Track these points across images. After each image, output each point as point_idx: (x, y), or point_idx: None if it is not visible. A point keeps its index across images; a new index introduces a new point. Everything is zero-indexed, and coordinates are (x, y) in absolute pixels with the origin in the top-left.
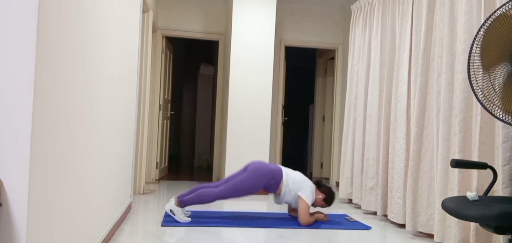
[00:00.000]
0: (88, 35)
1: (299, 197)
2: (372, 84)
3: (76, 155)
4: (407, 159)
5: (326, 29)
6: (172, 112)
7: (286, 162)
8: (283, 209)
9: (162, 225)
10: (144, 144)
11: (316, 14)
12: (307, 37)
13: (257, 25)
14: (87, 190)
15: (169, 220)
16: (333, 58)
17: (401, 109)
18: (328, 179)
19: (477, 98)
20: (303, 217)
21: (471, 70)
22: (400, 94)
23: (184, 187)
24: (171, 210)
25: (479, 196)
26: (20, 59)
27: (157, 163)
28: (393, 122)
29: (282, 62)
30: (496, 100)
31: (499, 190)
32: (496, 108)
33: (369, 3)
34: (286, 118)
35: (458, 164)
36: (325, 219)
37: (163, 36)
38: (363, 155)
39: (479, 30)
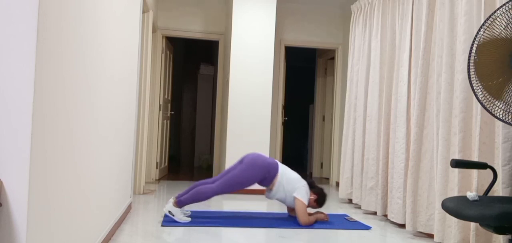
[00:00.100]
0: (88, 35)
1: (295, 198)
2: (372, 84)
3: (76, 155)
4: (407, 159)
5: (326, 29)
6: (172, 112)
7: (286, 162)
8: (283, 209)
9: (162, 225)
10: (144, 144)
11: (316, 14)
12: (307, 37)
13: (257, 25)
14: (87, 190)
15: (169, 220)
16: (333, 58)
17: (401, 109)
18: (328, 179)
19: (477, 98)
20: (301, 217)
21: (471, 70)
22: (400, 94)
23: (184, 187)
24: (169, 212)
25: (479, 196)
26: (20, 59)
27: (157, 163)
28: (393, 122)
29: (282, 62)
30: (500, 104)
31: (499, 190)
32: (496, 108)
33: (369, 3)
34: (286, 118)
35: (458, 164)
36: (326, 219)
37: (163, 36)
38: (363, 155)
39: (479, 30)
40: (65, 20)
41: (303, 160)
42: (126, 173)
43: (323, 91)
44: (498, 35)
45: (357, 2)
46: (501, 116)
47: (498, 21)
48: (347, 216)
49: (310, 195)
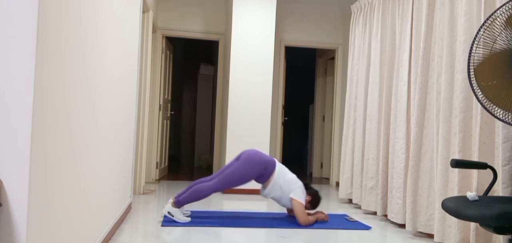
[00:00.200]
0: (88, 35)
1: (292, 199)
2: (372, 84)
3: (76, 155)
4: (407, 159)
5: (326, 29)
6: (172, 112)
7: (286, 162)
8: (283, 209)
9: (162, 225)
10: (144, 144)
11: (316, 14)
12: (307, 37)
13: (257, 25)
14: (87, 190)
15: (169, 220)
16: (333, 58)
17: (401, 109)
18: (328, 179)
19: (477, 98)
20: (300, 217)
21: (471, 70)
22: (400, 94)
23: (184, 187)
24: (169, 212)
25: (479, 196)
26: (20, 59)
27: (157, 163)
28: (393, 122)
29: (282, 62)
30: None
31: (499, 190)
32: (496, 108)
33: (369, 3)
34: (286, 118)
35: (458, 164)
36: (326, 219)
37: (163, 36)
38: (363, 155)
39: (479, 30)
40: (65, 20)
41: (303, 160)
42: (126, 173)
43: (323, 91)
44: (498, 35)
45: (357, 2)
46: (501, 116)
47: (498, 21)
48: (347, 216)
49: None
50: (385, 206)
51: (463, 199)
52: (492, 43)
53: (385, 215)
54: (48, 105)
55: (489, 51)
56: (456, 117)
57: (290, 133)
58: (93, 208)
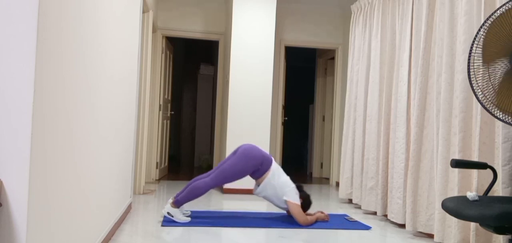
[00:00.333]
0: (88, 35)
1: (287, 201)
2: (372, 84)
3: (76, 155)
4: (407, 159)
5: (326, 29)
6: (172, 112)
7: (286, 162)
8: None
9: (162, 225)
10: (144, 144)
11: (316, 14)
12: (307, 37)
13: (257, 25)
14: (87, 190)
15: (168, 220)
16: (333, 58)
17: (401, 109)
18: (328, 179)
19: (477, 98)
20: (299, 218)
21: (471, 70)
22: (400, 94)
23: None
24: (168, 213)
25: (479, 196)
26: (20, 59)
27: (157, 163)
28: (393, 122)
29: (282, 62)
30: (493, 96)
31: (499, 190)
32: (495, 107)
33: (369, 3)
34: (286, 118)
35: (458, 164)
36: (326, 219)
37: (163, 36)
38: (363, 155)
39: (479, 30)
40: (65, 20)
41: (303, 160)
42: (126, 173)
43: (323, 91)
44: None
45: (357, 2)
46: (501, 116)
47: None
48: (347, 216)
49: None
50: (385, 206)
51: (463, 199)
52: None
53: (385, 215)
54: (48, 105)
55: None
56: (456, 117)
57: (290, 133)
58: (93, 208)
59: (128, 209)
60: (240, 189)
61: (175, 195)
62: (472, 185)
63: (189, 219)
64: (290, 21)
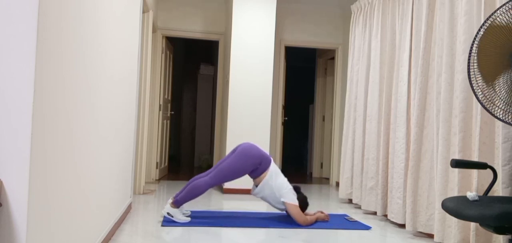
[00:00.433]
0: (88, 35)
1: (285, 203)
2: (372, 84)
3: (76, 155)
4: (407, 159)
5: (326, 29)
6: (172, 112)
7: (286, 162)
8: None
9: (162, 225)
10: (144, 144)
11: (316, 14)
12: (307, 37)
13: (257, 25)
14: (87, 190)
15: (168, 220)
16: (333, 58)
17: (401, 109)
18: (328, 179)
19: (477, 98)
20: (298, 218)
21: (471, 70)
22: (400, 94)
23: None
24: (168, 213)
25: (479, 196)
26: (20, 59)
27: (157, 163)
28: (393, 122)
29: (282, 62)
30: (499, 102)
31: (499, 190)
32: (496, 108)
33: (369, 3)
34: (286, 118)
35: (458, 164)
36: (326, 219)
37: (163, 36)
38: (363, 155)
39: (479, 30)
40: (65, 20)
41: (303, 160)
42: (126, 173)
43: (323, 91)
44: (497, 35)
45: (357, 2)
46: (501, 116)
47: (498, 21)
48: (347, 216)
49: None
50: (385, 206)
51: (463, 199)
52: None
53: (385, 215)
54: (48, 105)
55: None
56: (456, 117)
57: (290, 133)
58: (93, 208)
59: (128, 209)
60: (240, 189)
61: (174, 195)
62: (472, 185)
63: (189, 219)
64: (290, 21)
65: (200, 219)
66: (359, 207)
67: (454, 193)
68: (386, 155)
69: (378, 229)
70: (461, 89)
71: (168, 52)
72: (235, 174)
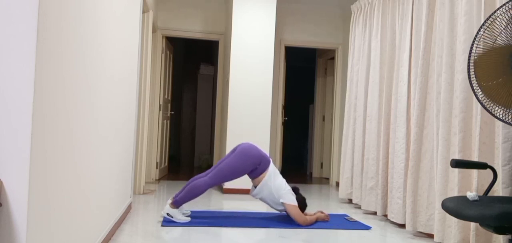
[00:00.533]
0: (88, 35)
1: (284, 204)
2: (372, 84)
3: (76, 155)
4: (407, 159)
5: (326, 29)
6: (172, 112)
7: (286, 162)
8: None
9: (162, 225)
10: (144, 144)
11: (316, 14)
12: (307, 37)
13: (257, 25)
14: (87, 190)
15: (168, 220)
16: (333, 58)
17: (401, 109)
18: (328, 179)
19: (477, 98)
20: (298, 219)
21: (471, 70)
22: (400, 94)
23: None
24: (168, 214)
25: (479, 196)
26: (20, 59)
27: (157, 163)
28: (393, 122)
29: (282, 62)
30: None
31: (499, 190)
32: (496, 108)
33: (369, 3)
34: (286, 118)
35: (458, 164)
36: (326, 219)
37: (163, 36)
38: (363, 155)
39: (479, 30)
40: (65, 20)
41: (303, 160)
42: (126, 173)
43: (323, 91)
44: (498, 35)
45: (357, 2)
46: (501, 116)
47: (498, 21)
48: (347, 216)
49: None
50: (385, 206)
51: (463, 199)
52: (492, 43)
53: (385, 215)
54: (48, 105)
55: (489, 49)
56: (456, 117)
57: (290, 133)
58: (93, 208)
59: (128, 209)
60: (240, 189)
61: (174, 195)
62: (472, 185)
63: (189, 219)
64: (290, 21)
65: (200, 219)
66: (359, 207)
67: (454, 193)
68: (386, 155)
69: (378, 229)
70: (461, 89)
71: (168, 52)
72: (235, 174)
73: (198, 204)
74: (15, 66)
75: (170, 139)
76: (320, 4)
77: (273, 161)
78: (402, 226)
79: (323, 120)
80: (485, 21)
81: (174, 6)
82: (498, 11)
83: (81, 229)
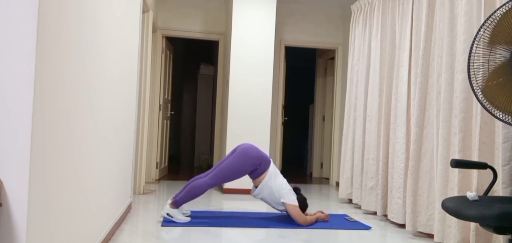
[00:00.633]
0: (88, 35)
1: (284, 203)
2: (372, 84)
3: (76, 155)
4: (407, 159)
5: (326, 29)
6: (172, 112)
7: (286, 162)
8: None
9: (162, 225)
10: (144, 144)
11: (316, 14)
12: (307, 37)
13: (257, 25)
14: (87, 190)
15: (168, 220)
16: (333, 58)
17: (401, 109)
18: (328, 179)
19: (477, 98)
20: (298, 219)
21: (471, 70)
22: (400, 94)
23: None
24: (168, 214)
25: (479, 196)
26: (20, 59)
27: (157, 163)
28: (393, 122)
29: (282, 62)
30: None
31: (499, 190)
32: (496, 108)
33: (369, 3)
34: (286, 118)
35: (458, 164)
36: (326, 219)
37: (163, 36)
38: (363, 155)
39: (479, 30)
40: (65, 20)
41: (303, 160)
42: (126, 173)
43: (323, 91)
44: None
45: (357, 2)
46: (501, 116)
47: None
48: (347, 216)
49: None
50: (385, 206)
51: (463, 199)
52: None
53: (385, 215)
54: (48, 105)
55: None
56: (456, 117)
57: (290, 133)
58: (93, 208)
59: (128, 209)
60: (240, 189)
61: (174, 195)
62: (472, 185)
63: (189, 219)
64: (290, 21)
65: (200, 219)
66: (359, 207)
67: (454, 193)
68: (386, 155)
69: (378, 229)
70: (461, 89)
71: (168, 52)
72: (235, 174)
73: (198, 204)
74: (15, 66)
75: (170, 139)
76: (320, 4)
77: (273, 161)
78: (402, 226)
79: (323, 120)
80: (485, 21)
81: (174, 6)
82: (498, 11)
83: (81, 229)
